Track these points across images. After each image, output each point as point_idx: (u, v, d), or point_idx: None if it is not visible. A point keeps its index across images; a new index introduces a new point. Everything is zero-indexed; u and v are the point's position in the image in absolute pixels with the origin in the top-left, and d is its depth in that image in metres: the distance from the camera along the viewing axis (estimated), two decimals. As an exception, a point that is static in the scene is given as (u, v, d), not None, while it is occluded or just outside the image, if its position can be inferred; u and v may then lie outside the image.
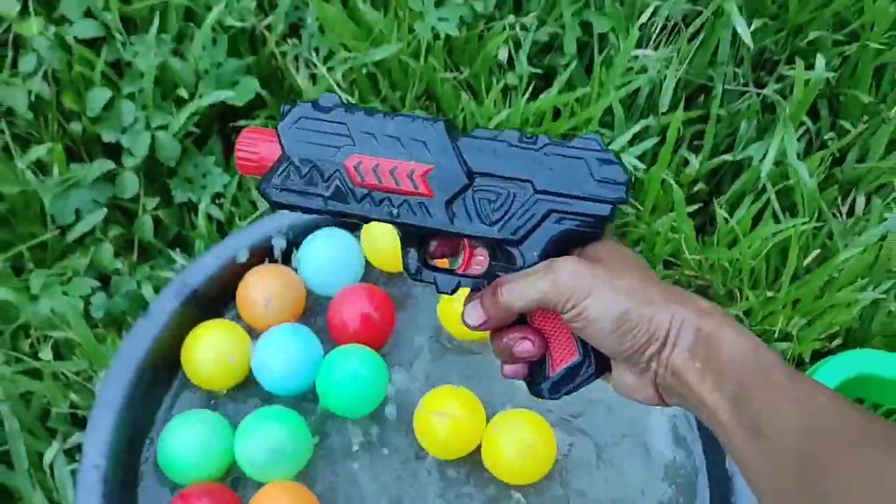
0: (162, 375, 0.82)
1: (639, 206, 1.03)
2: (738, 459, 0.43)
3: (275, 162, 0.50)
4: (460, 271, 0.52)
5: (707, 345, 0.44)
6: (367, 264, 0.88)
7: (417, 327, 0.87)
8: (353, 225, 0.86)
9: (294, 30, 1.15)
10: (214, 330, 0.81)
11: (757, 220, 1.01)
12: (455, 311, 0.81)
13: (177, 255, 0.97)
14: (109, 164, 0.96)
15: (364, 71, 1.05)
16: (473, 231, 0.50)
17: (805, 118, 1.07)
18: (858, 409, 0.41)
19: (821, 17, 1.09)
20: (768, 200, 1.01)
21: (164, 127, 0.98)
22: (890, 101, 1.10)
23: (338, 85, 1.06)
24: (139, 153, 0.97)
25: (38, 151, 0.93)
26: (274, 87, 1.11)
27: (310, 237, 0.86)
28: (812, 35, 1.09)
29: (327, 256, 0.85)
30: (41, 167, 0.97)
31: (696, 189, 1.08)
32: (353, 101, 1.06)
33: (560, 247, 0.50)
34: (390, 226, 0.50)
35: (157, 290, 0.93)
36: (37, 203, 0.96)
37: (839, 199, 1.07)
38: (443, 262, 0.54)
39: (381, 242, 0.86)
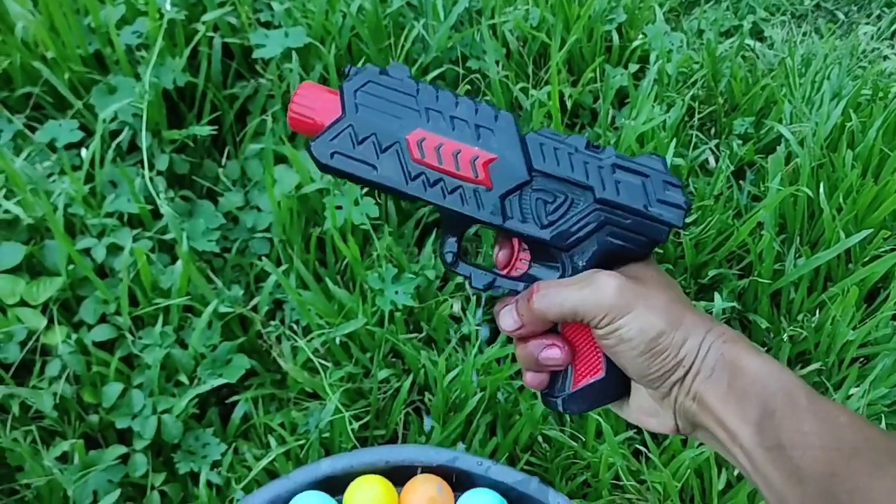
0: None
1: (581, 436, 1.18)
2: (759, 481, 0.43)
3: (331, 123, 0.48)
4: (504, 273, 0.51)
5: (730, 370, 0.44)
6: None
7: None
8: (335, 489, 1.00)
9: (279, 304, 1.35)
10: None
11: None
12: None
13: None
14: (122, 449, 1.12)
15: (337, 341, 1.24)
16: (524, 230, 0.48)
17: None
18: (877, 428, 0.41)
19: (716, 258, 1.30)
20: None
21: (168, 410, 1.15)
22: (787, 321, 1.29)
23: (315, 352, 1.24)
24: (147, 435, 1.13)
25: (62, 447, 1.08)
26: (262, 359, 1.29)
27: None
28: (712, 272, 1.29)
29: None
30: (63, 455, 1.12)
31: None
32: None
33: (607, 261, 0.49)
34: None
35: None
36: (60, 488, 1.11)
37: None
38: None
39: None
